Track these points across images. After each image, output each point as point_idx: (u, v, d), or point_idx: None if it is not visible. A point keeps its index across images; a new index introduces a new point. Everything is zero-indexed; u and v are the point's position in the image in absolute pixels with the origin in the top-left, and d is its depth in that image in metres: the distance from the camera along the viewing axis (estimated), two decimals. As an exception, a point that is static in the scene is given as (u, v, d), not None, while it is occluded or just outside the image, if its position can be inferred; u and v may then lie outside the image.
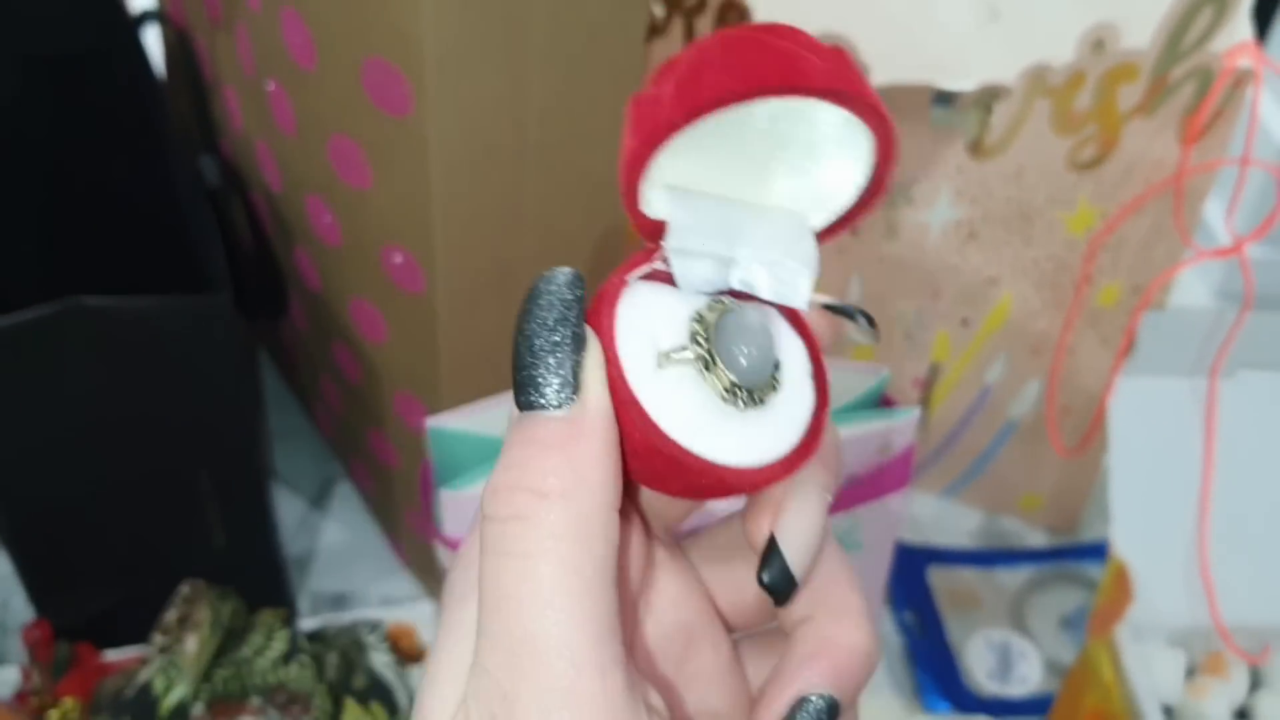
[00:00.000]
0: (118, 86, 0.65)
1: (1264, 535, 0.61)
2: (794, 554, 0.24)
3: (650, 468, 0.24)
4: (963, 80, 0.56)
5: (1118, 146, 0.59)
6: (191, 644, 0.51)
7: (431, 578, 0.69)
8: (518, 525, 0.22)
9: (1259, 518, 0.61)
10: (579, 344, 0.23)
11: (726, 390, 0.23)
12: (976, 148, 0.59)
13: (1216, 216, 0.65)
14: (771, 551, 0.24)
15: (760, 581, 0.25)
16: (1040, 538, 0.79)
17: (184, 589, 0.54)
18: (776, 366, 0.24)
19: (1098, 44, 0.55)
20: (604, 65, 0.50)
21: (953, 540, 0.78)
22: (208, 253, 0.54)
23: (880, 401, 0.52)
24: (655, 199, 0.24)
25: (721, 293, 0.25)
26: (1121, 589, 0.57)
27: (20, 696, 0.59)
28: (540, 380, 0.23)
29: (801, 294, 0.25)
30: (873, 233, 0.63)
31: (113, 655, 0.61)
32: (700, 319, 0.24)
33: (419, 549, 0.69)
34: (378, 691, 0.55)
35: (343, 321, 0.61)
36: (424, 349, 0.56)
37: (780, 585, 0.24)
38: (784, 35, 0.23)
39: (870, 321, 0.27)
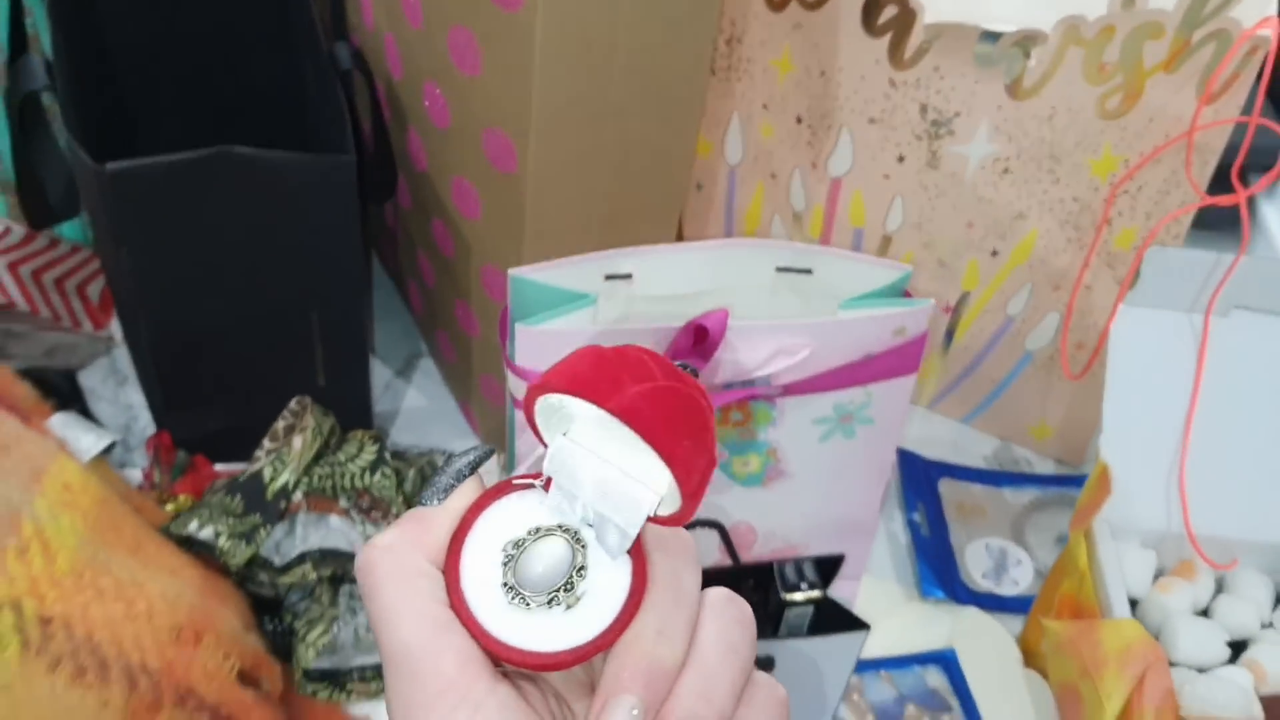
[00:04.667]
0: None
1: (1241, 459, 0.68)
2: None
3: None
4: (1004, 23, 0.63)
5: (1141, 98, 0.66)
6: (298, 442, 0.60)
7: (499, 442, 0.78)
8: (368, 561, 0.32)
9: (1238, 443, 0.68)
10: (458, 483, 0.33)
11: (513, 594, 0.31)
12: (1014, 88, 0.66)
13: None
14: None
15: None
16: (1048, 467, 0.86)
17: (293, 404, 0.63)
18: (569, 586, 0.31)
19: (1128, 0, 0.62)
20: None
21: (967, 463, 0.85)
22: (337, 126, 0.63)
23: (902, 294, 0.60)
24: (553, 435, 0.32)
25: (565, 525, 0.32)
26: (1102, 486, 0.64)
27: (141, 492, 0.69)
28: (425, 499, 0.33)
29: (613, 551, 0.31)
30: (916, 160, 0.71)
31: (222, 467, 0.71)
32: (519, 541, 0.32)
33: (489, 415, 0.78)
34: (448, 505, 0.64)
35: (443, 200, 0.70)
36: (511, 226, 0.65)
37: None
38: (642, 363, 0.31)
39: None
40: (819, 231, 0.78)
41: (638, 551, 0.32)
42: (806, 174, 0.76)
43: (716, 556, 0.65)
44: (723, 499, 0.64)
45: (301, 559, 0.56)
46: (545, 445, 0.33)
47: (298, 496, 0.59)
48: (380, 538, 0.32)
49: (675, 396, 0.31)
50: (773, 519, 0.66)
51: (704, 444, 0.31)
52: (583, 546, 0.32)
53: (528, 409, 0.32)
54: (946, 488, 0.83)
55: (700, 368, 0.54)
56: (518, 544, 0.32)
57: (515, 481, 0.33)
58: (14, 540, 0.46)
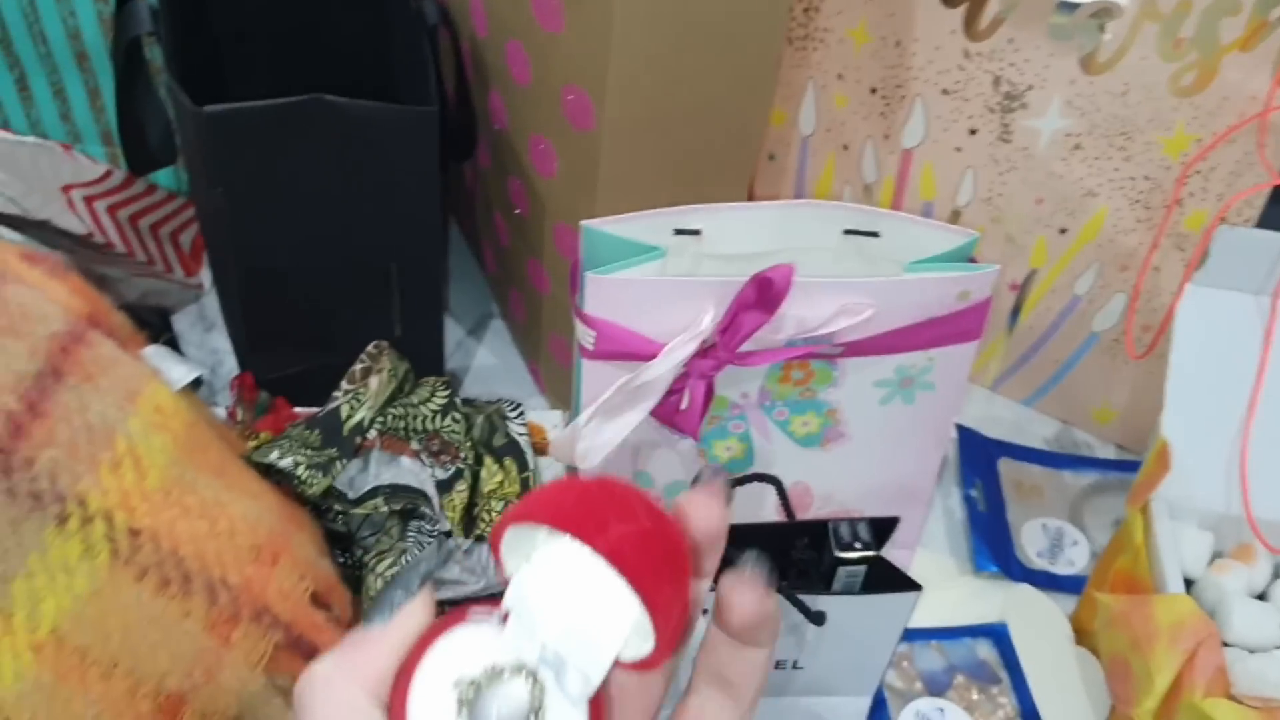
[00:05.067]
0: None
1: (1304, 444, 0.68)
2: None
3: None
4: (1080, -4, 0.64)
5: (1216, 77, 0.66)
6: (374, 382, 0.63)
7: (564, 401, 0.80)
8: (301, 690, 0.30)
9: (1302, 428, 0.68)
10: (407, 597, 0.32)
11: None
12: (1089, 62, 0.67)
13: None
14: None
15: None
16: (1109, 452, 0.86)
17: (370, 347, 0.65)
18: None
19: (1206, -21, 0.62)
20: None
21: (1029, 445, 0.86)
22: (422, 80, 0.66)
23: (967, 260, 0.60)
24: (516, 564, 0.31)
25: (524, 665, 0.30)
26: (1161, 462, 0.64)
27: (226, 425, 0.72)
28: (374, 615, 0.32)
29: (575, 698, 0.30)
30: (988, 133, 0.71)
31: (301, 410, 0.74)
32: (473, 681, 0.30)
33: (555, 375, 0.80)
34: (513, 450, 0.66)
35: (521, 158, 0.72)
36: (585, 183, 0.66)
37: None
38: (627, 502, 0.30)
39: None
40: (889, 203, 0.79)
41: (598, 700, 0.31)
42: (879, 145, 0.77)
43: (775, 516, 0.67)
44: (781, 458, 0.65)
45: (374, 493, 0.59)
46: (505, 576, 0.31)
47: (372, 434, 0.62)
48: (319, 663, 0.30)
49: (660, 540, 0.30)
50: (830, 481, 0.68)
51: (683, 590, 0.30)
52: (540, 688, 0.30)
53: (497, 532, 0.31)
54: (1006, 467, 0.83)
55: (766, 320, 0.56)
56: (472, 683, 0.30)
57: (471, 610, 0.32)
58: (108, 455, 0.48)
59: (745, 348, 0.57)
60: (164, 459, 0.51)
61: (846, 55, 0.75)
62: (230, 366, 0.79)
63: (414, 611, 0.31)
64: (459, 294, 0.91)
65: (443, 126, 0.64)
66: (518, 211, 0.75)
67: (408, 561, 0.57)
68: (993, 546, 0.77)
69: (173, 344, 0.76)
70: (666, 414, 0.59)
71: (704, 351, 0.57)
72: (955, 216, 0.77)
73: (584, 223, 0.57)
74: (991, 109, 0.70)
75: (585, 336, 0.58)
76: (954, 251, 0.59)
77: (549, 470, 0.71)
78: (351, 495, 0.59)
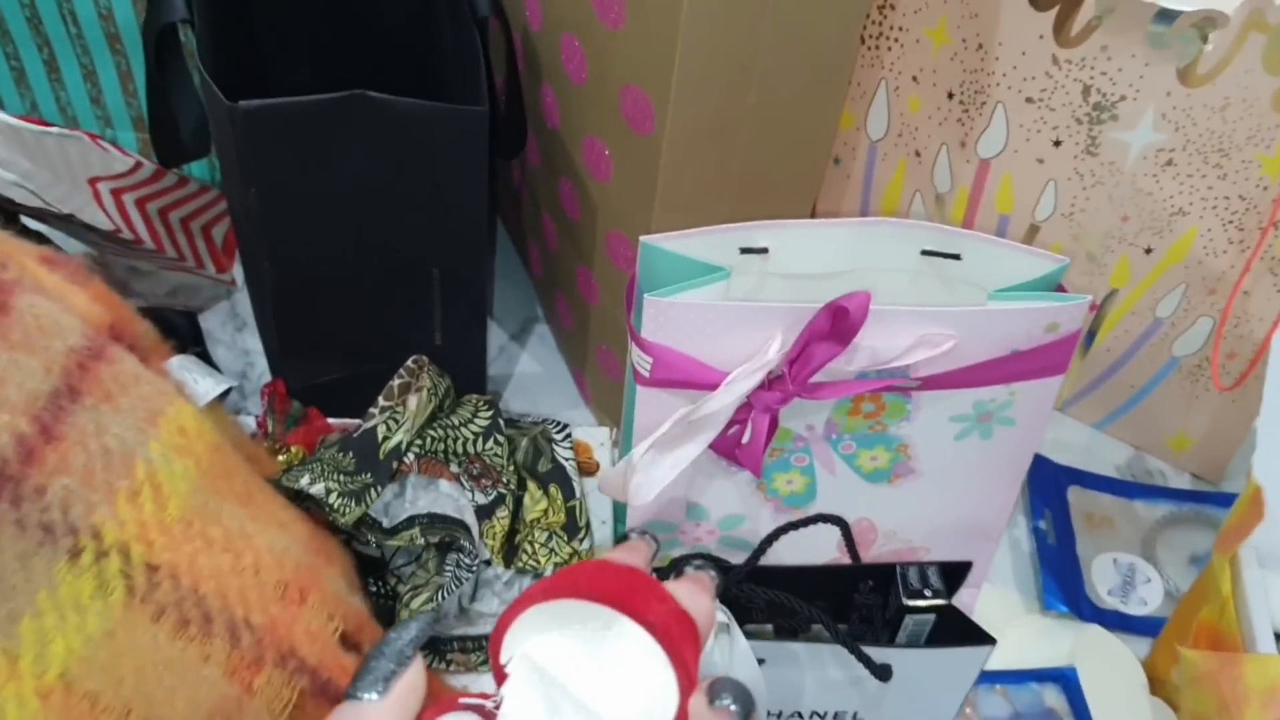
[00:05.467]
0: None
1: None
2: None
3: None
4: (1183, 2, 0.59)
5: (1329, 93, 0.61)
6: (413, 402, 0.59)
7: (610, 415, 0.76)
8: None
9: None
10: (400, 669, 0.31)
11: None
12: (1187, 74, 0.62)
13: None
14: None
15: None
16: (1184, 481, 0.81)
17: (410, 362, 0.62)
18: None
19: (1325, -13, 0.57)
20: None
21: (1098, 471, 0.81)
22: (471, 76, 0.61)
23: (1056, 288, 0.56)
24: (514, 658, 0.31)
25: None
26: (1254, 509, 0.60)
27: (255, 440, 0.68)
28: (360, 688, 0.31)
29: None
30: (1074, 144, 0.66)
31: (335, 421, 0.70)
32: None
33: (602, 386, 0.76)
34: (559, 476, 0.62)
35: (573, 159, 0.67)
36: (643, 190, 0.62)
37: None
38: (655, 583, 0.31)
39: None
40: (962, 215, 0.74)
41: None
42: (954, 153, 0.72)
43: (835, 554, 0.62)
44: (845, 493, 0.61)
45: (410, 522, 0.55)
46: (500, 665, 0.31)
47: (409, 458, 0.58)
48: None
49: (689, 619, 0.31)
50: (896, 517, 0.63)
51: (696, 669, 0.31)
52: None
53: (513, 613, 0.31)
54: (1076, 496, 0.78)
55: (839, 352, 0.51)
56: None
57: (462, 700, 0.31)
58: (126, 483, 0.45)
59: (815, 379, 0.53)
60: (186, 486, 0.47)
61: (923, 56, 0.70)
62: (262, 369, 0.75)
63: (400, 695, 0.31)
64: (502, 295, 0.87)
65: (492, 124, 0.60)
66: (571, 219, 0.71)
67: (443, 598, 0.53)
68: (1062, 583, 0.72)
69: (203, 356, 0.73)
70: (726, 447, 0.55)
71: (770, 383, 0.53)
72: (1033, 231, 0.72)
73: (643, 239, 0.53)
74: (1079, 119, 0.65)
75: (641, 362, 0.54)
76: (1042, 279, 0.55)
77: (593, 494, 0.66)
78: (386, 524, 0.55)
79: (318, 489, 0.53)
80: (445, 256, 0.66)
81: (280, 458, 0.65)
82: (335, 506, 0.53)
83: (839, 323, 0.50)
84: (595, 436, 0.72)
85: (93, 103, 0.78)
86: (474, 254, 0.67)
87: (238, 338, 0.78)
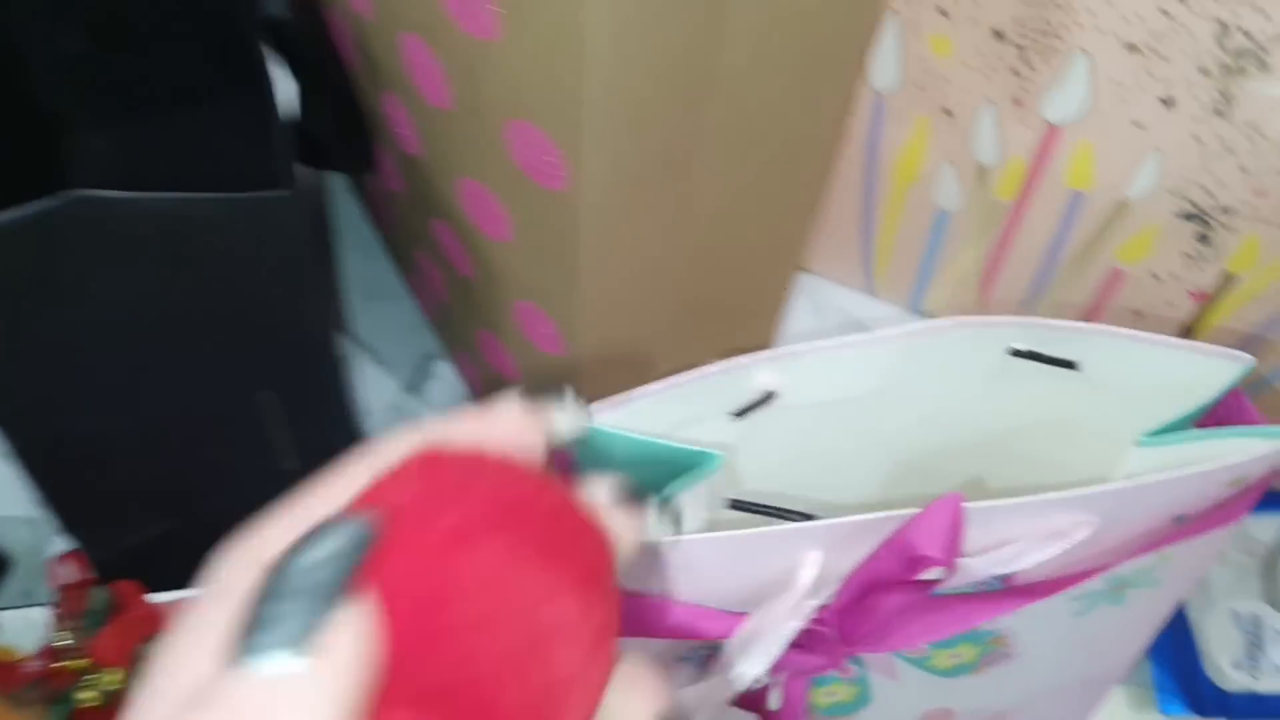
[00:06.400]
0: None
1: None
2: None
3: None
4: None
5: None
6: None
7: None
8: None
9: None
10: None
11: None
12: (1388, -2, 0.40)
13: None
14: None
15: None
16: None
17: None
18: None
19: None
20: None
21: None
22: (262, 135, 0.38)
23: (1226, 396, 0.35)
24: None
25: None
26: None
27: (46, 653, 0.47)
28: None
29: None
30: (1195, 103, 0.44)
31: (164, 598, 0.49)
32: None
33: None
34: None
35: (448, 202, 0.45)
36: (557, 258, 0.40)
37: None
38: None
39: None
40: (1012, 194, 0.52)
41: None
42: (1006, 113, 0.50)
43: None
44: (913, 691, 0.41)
45: None
46: None
47: None
48: None
49: None
50: (981, 699, 0.44)
51: None
52: None
53: None
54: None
55: (914, 600, 0.31)
56: None
57: None
58: None
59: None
60: None
61: (955, -20, 0.47)
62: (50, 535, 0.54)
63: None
64: (385, 324, 0.64)
65: (313, 143, 0.38)
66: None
67: None
68: (1176, 669, 0.54)
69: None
70: (750, 703, 0.35)
71: (808, 637, 0.32)
72: (1120, 210, 0.51)
73: (590, 426, 0.32)
74: (1206, 70, 0.43)
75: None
76: (1211, 400, 0.34)
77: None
78: None
79: None
80: (274, 378, 0.44)
81: (82, 692, 0.45)
82: None
83: (912, 567, 0.29)
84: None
85: None
86: (316, 367, 0.45)
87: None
